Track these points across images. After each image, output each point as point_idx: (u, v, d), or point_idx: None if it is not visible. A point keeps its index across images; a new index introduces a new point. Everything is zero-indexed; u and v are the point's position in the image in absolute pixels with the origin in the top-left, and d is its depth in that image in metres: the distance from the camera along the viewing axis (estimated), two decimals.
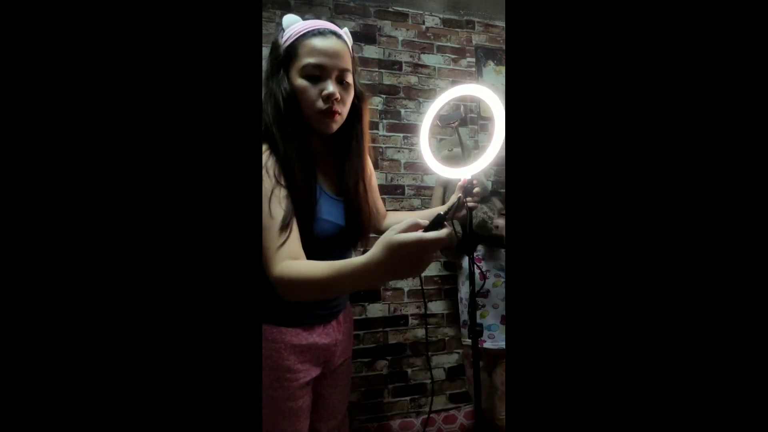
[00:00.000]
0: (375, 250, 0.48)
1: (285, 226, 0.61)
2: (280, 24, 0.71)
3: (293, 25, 0.69)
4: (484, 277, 1.46)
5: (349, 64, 0.69)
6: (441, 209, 0.91)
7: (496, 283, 1.46)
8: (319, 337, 0.77)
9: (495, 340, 1.44)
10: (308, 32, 0.67)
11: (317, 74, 0.66)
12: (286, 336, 0.73)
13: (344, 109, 0.70)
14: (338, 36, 0.68)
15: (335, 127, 0.70)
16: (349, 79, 0.69)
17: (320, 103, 0.66)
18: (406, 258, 0.46)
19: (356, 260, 0.50)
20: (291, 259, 0.59)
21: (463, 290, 1.54)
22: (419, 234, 0.45)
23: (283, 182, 0.64)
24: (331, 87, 0.66)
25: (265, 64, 0.70)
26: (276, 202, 0.62)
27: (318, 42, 0.66)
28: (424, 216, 0.91)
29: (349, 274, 0.51)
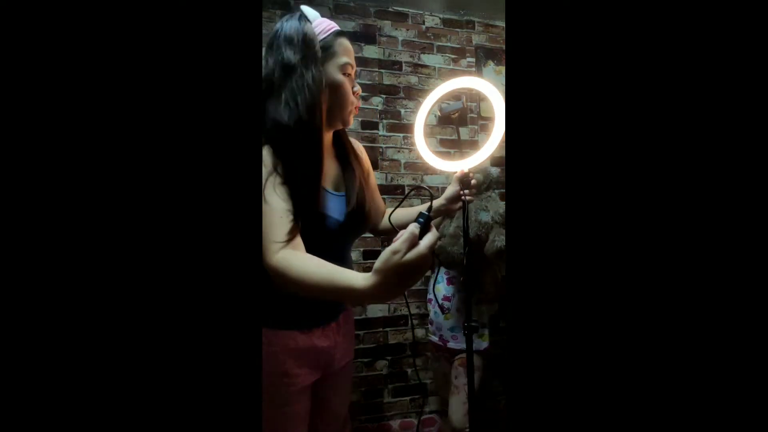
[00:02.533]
0: (377, 277, 0.45)
1: (293, 230, 0.60)
2: (301, 14, 0.70)
3: (319, 19, 0.71)
4: (450, 282, 1.50)
5: None
6: (422, 207, 0.90)
7: (461, 287, 1.50)
8: (318, 340, 0.75)
9: (458, 341, 1.48)
10: (338, 32, 0.71)
11: (350, 73, 0.72)
12: (283, 339, 0.71)
13: None
14: None
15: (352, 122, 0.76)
16: None
17: (353, 98, 0.73)
18: (408, 275, 0.45)
19: (355, 280, 0.48)
20: (290, 247, 0.58)
21: (441, 288, 1.54)
22: (420, 250, 0.44)
23: (280, 171, 0.64)
24: (357, 85, 0.74)
25: (288, 53, 0.67)
26: (271, 189, 0.61)
27: (348, 43, 0.72)
28: (412, 213, 0.91)
29: (345, 291, 0.50)
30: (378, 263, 0.45)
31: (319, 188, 0.67)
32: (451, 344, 1.49)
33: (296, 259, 0.56)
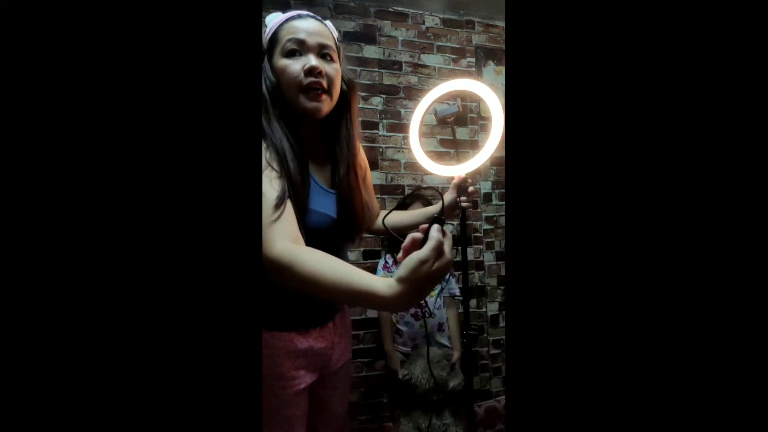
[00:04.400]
0: (404, 286, 0.43)
1: (279, 204, 0.57)
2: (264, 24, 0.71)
3: (275, 19, 0.70)
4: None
5: (330, 42, 0.68)
6: (432, 209, 0.88)
7: (431, 294, 1.48)
8: (315, 341, 0.74)
9: (432, 345, 1.48)
10: (288, 18, 0.68)
11: (298, 51, 0.65)
12: (280, 341, 0.70)
13: (332, 89, 0.68)
14: (318, 19, 0.69)
15: (323, 108, 0.67)
16: (334, 56, 0.69)
17: (302, 77, 0.64)
18: (433, 283, 0.43)
19: (378, 286, 0.45)
20: (291, 241, 0.54)
21: None
22: (447, 259, 0.42)
23: (274, 166, 0.62)
24: (313, 60, 0.65)
25: None
26: (267, 182, 0.59)
27: (297, 22, 0.67)
28: (415, 216, 0.90)
29: (365, 296, 0.45)
30: (405, 271, 0.43)
31: (305, 183, 0.64)
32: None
33: (305, 254, 0.51)
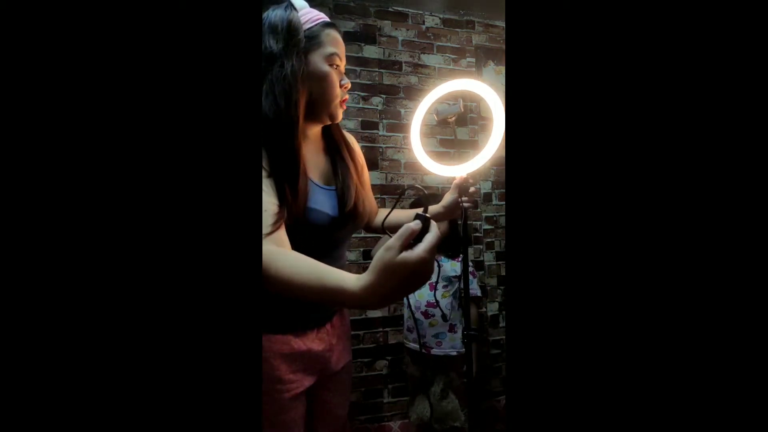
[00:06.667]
0: (372, 276, 0.41)
1: (277, 218, 0.57)
2: (288, 3, 0.69)
3: (306, 9, 0.69)
4: (433, 287, 1.47)
5: None
6: (434, 208, 0.88)
7: (444, 294, 1.48)
8: (313, 343, 0.73)
9: (442, 347, 1.48)
10: (326, 22, 0.69)
11: (338, 65, 0.70)
12: (276, 344, 0.69)
13: None
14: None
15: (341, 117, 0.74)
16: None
17: (339, 90, 0.70)
18: (405, 278, 0.40)
19: (347, 281, 0.44)
20: (274, 244, 0.54)
21: (423, 294, 1.51)
22: (418, 252, 0.39)
23: (265, 165, 0.62)
24: (346, 78, 0.71)
25: (271, 42, 0.67)
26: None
27: (337, 34, 0.70)
28: (410, 216, 0.89)
29: (335, 293, 0.44)
30: (372, 262, 0.41)
31: (297, 181, 0.64)
32: (435, 351, 1.47)
33: (281, 256, 0.51)
